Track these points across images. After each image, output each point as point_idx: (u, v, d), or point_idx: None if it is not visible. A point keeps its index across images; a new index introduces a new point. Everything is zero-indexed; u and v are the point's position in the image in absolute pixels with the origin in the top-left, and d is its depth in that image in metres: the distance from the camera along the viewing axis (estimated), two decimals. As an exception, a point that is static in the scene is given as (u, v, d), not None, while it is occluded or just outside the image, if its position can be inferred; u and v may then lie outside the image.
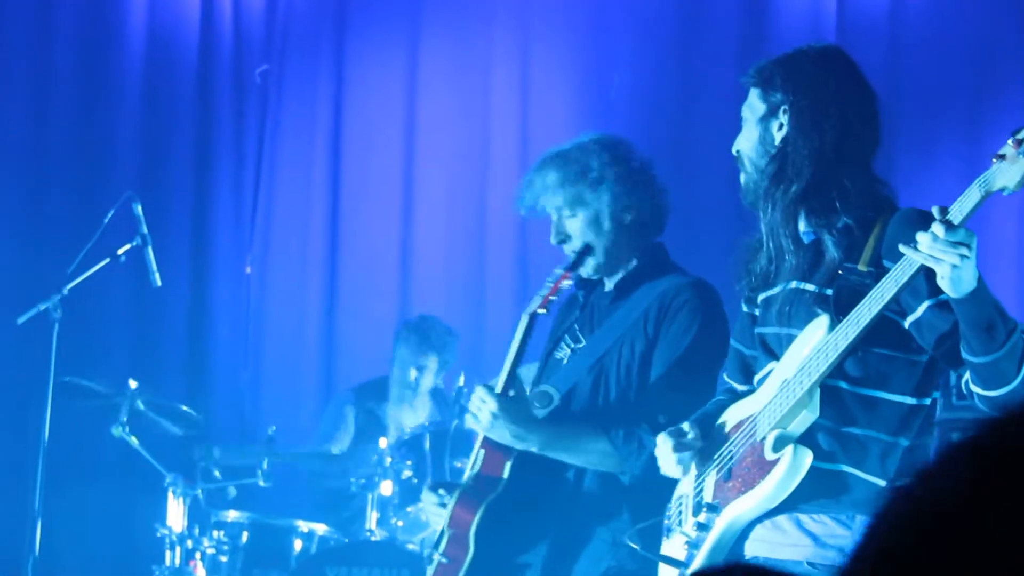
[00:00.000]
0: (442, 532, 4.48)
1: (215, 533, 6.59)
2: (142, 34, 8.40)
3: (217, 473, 6.78)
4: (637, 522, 4.19)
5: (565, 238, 4.52)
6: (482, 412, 4.34)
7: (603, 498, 4.38)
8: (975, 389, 3.39)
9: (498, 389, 4.38)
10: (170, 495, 6.56)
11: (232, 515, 6.68)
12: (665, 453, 3.80)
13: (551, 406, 4.46)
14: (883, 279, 3.37)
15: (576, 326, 4.62)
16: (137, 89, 8.31)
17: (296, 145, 8.50)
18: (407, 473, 6.53)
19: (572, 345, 4.57)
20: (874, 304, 3.37)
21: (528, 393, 4.47)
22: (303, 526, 6.69)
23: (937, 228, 3.19)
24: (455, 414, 6.74)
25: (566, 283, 4.53)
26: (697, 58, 8.09)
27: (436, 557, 4.49)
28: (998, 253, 7.22)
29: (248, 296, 8.37)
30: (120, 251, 6.47)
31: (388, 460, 6.58)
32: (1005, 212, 7.32)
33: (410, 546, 6.40)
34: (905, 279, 3.31)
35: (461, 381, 6.77)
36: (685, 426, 3.79)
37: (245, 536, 6.63)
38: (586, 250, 4.51)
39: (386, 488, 6.52)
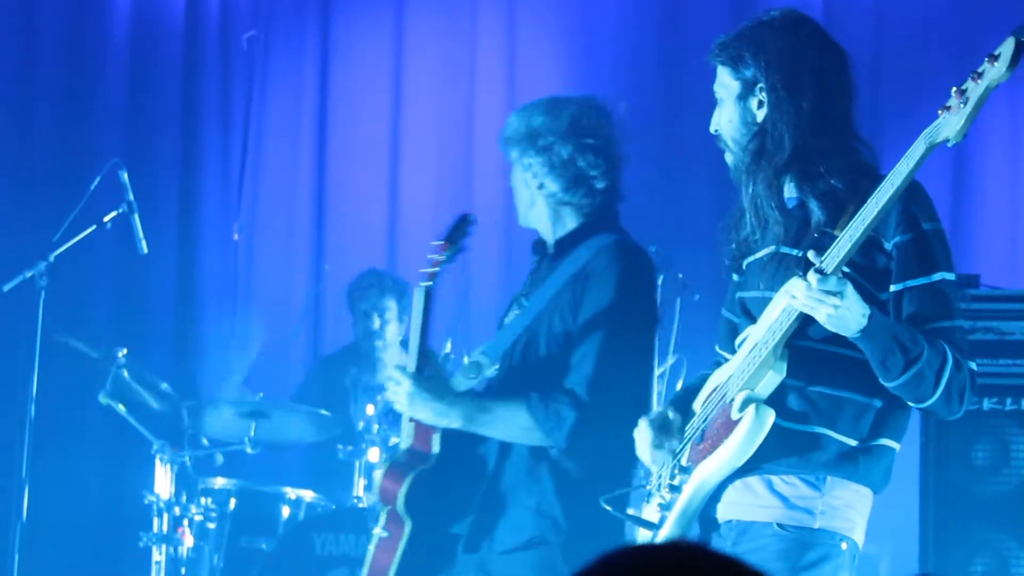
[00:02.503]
0: (381, 507, 4.49)
1: (203, 500, 6.58)
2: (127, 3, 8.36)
3: (205, 440, 6.78)
4: (561, 492, 4.27)
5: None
6: (398, 394, 4.31)
7: (527, 468, 4.35)
8: None
9: (411, 368, 4.34)
10: (157, 462, 6.54)
11: (219, 482, 6.67)
12: (643, 441, 3.81)
13: (480, 376, 4.40)
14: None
15: (523, 293, 4.58)
16: (123, 55, 8.28)
17: (283, 111, 8.47)
18: (395, 439, 6.52)
19: (514, 311, 4.53)
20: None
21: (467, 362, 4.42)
22: (290, 493, 6.68)
23: (811, 277, 3.32)
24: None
25: (444, 254, 4.52)
26: (686, 26, 8.06)
27: (377, 531, 4.48)
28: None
29: (236, 263, 8.34)
30: (106, 218, 6.46)
31: (376, 428, 6.58)
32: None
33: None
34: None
35: (448, 348, 6.76)
36: (670, 413, 3.79)
37: (233, 503, 6.64)
38: (464, 220, 4.60)
39: (373, 455, 6.52)
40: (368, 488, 6.50)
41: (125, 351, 6.63)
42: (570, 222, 4.49)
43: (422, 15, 8.40)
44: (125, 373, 6.62)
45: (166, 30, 8.37)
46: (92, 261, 7.53)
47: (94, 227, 6.46)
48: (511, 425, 4.30)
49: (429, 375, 4.34)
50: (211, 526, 6.56)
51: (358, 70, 8.42)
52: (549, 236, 4.53)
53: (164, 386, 6.74)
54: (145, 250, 6.42)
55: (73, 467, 7.43)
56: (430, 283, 4.45)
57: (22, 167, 8.08)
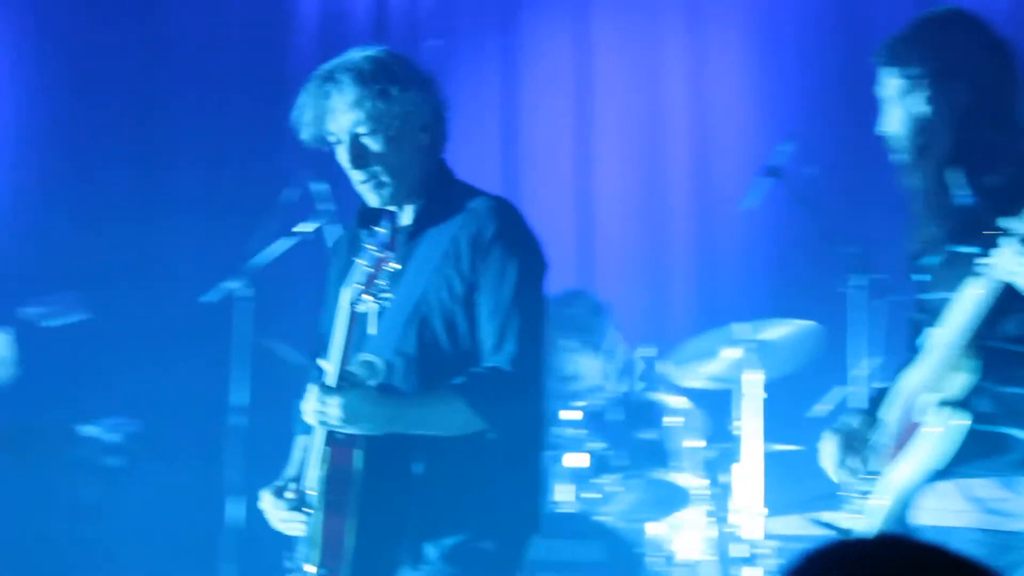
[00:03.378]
0: (310, 541, 3.96)
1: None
2: (315, 8, 8.45)
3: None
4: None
5: (364, 163, 4.04)
6: (328, 413, 3.85)
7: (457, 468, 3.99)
8: None
9: (331, 381, 3.90)
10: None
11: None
12: (830, 454, 3.81)
13: (376, 377, 3.96)
14: None
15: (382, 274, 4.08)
16: (310, 65, 8.34)
17: (468, 119, 8.50)
18: (597, 445, 6.49)
19: (378, 297, 4.00)
20: None
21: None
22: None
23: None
24: (639, 384, 6.74)
25: (390, 267, 3.93)
26: (872, 23, 7.97)
27: (311, 569, 3.95)
28: None
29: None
30: (302, 228, 6.52)
31: (571, 431, 6.54)
32: None
33: (604, 519, 6.39)
34: None
35: (644, 352, 6.75)
36: (858, 422, 3.80)
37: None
38: (394, 215, 4.13)
39: (580, 460, 6.48)
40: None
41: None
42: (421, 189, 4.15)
43: (607, 19, 8.39)
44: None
45: (353, 40, 8.42)
46: (291, 270, 7.61)
47: (290, 237, 6.53)
48: (450, 416, 3.90)
49: (355, 386, 3.89)
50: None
51: (543, 76, 8.43)
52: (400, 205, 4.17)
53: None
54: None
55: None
56: (370, 299, 3.93)
57: (218, 179, 8.21)
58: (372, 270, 3.93)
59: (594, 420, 6.59)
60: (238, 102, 8.26)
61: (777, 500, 6.49)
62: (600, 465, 6.48)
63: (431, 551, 3.99)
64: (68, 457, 7.26)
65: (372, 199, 4.11)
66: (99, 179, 8.25)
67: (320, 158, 7.82)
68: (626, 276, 8.10)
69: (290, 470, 4.25)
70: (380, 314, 4.07)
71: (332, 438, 3.94)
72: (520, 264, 4.02)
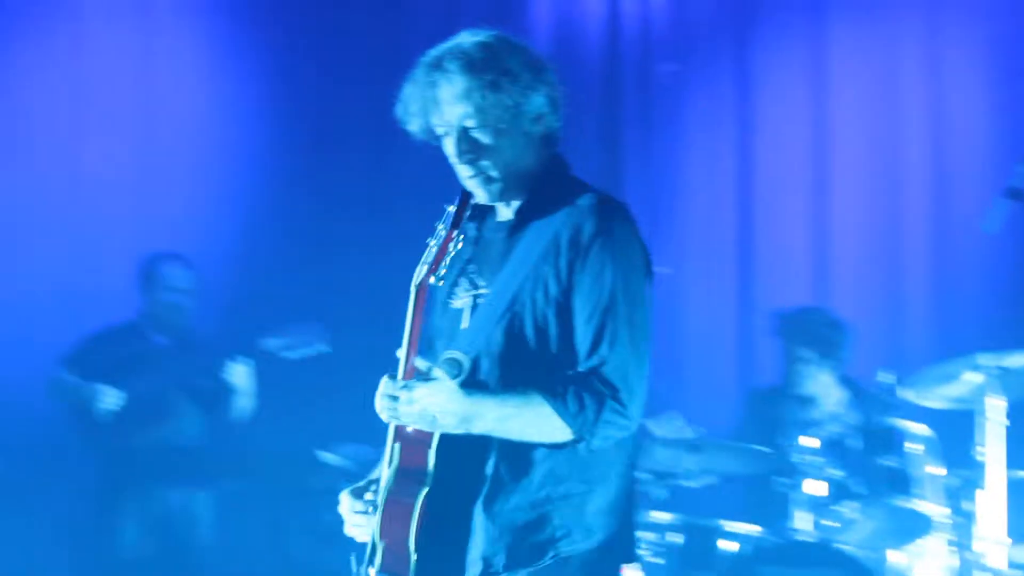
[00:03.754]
0: (373, 545, 3.78)
1: (646, 534, 6.57)
2: (548, 32, 8.49)
3: (645, 474, 6.77)
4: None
5: (472, 157, 3.80)
6: (412, 408, 3.64)
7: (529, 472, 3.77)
8: None
9: (402, 376, 3.70)
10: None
11: (662, 516, 6.65)
12: None
13: (462, 375, 3.70)
14: None
15: (471, 267, 3.90)
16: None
17: (703, 140, 8.47)
18: (836, 473, 6.39)
19: (471, 292, 3.83)
20: None
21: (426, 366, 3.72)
22: (731, 526, 6.61)
23: None
24: (879, 410, 6.62)
25: (454, 244, 3.76)
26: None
27: (372, 573, 3.78)
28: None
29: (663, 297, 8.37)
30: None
31: (810, 458, 6.46)
32: None
33: (844, 547, 6.29)
34: None
35: (884, 378, 6.63)
36: None
37: (676, 537, 6.61)
38: (468, 195, 3.86)
39: (819, 488, 6.39)
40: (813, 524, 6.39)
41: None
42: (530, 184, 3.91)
43: (842, 41, 8.29)
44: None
45: (585, 63, 8.48)
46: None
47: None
48: (534, 422, 3.65)
49: (441, 380, 3.66)
50: (658, 560, 6.55)
51: (778, 97, 8.37)
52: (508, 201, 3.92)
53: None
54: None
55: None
56: (435, 280, 3.76)
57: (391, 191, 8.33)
58: (437, 247, 3.77)
59: (833, 447, 6.48)
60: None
61: (1021, 529, 6.31)
62: (839, 492, 6.38)
63: (499, 564, 3.75)
64: (309, 484, 7.39)
65: (481, 195, 3.87)
66: (338, 211, 8.39)
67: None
68: (863, 299, 7.98)
69: (376, 471, 3.95)
70: (474, 309, 3.83)
71: (402, 435, 3.75)
72: (620, 265, 3.73)
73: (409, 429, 3.73)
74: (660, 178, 8.49)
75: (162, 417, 7.44)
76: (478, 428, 3.66)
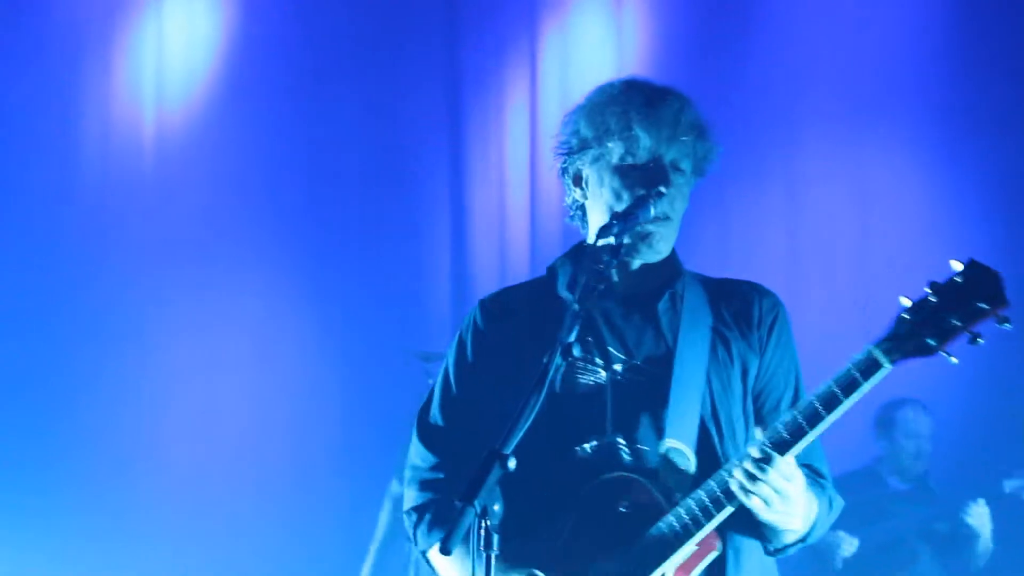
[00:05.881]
0: None
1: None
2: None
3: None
4: None
5: (670, 202, 3.48)
6: (766, 488, 3.27)
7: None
8: None
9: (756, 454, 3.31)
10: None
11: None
12: None
13: (689, 469, 3.41)
14: None
15: (609, 337, 3.54)
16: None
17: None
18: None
19: (614, 366, 3.49)
20: None
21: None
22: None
23: None
24: None
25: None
26: None
27: None
28: None
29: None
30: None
31: None
32: None
33: None
34: None
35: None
36: None
37: None
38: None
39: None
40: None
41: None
42: None
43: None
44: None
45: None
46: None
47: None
48: (819, 522, 3.50)
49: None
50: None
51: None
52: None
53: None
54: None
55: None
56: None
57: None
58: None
59: None
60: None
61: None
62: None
63: None
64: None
65: (650, 248, 3.54)
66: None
67: None
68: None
69: None
70: (633, 384, 3.53)
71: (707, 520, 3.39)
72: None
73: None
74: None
75: (900, 564, 7.40)
76: (795, 524, 3.46)
